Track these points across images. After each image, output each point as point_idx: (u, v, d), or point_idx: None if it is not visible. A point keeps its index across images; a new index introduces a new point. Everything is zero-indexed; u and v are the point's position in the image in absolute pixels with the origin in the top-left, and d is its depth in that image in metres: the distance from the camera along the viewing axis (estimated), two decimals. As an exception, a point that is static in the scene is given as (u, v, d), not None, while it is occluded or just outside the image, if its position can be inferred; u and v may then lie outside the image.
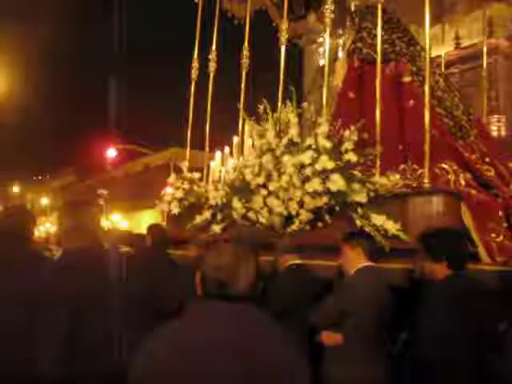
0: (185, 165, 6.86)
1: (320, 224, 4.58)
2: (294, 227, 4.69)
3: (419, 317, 3.34)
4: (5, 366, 3.01)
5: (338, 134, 4.71)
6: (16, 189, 40.76)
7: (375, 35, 5.48)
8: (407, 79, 5.59)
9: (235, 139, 6.41)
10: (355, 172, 4.51)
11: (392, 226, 4.13)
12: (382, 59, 5.10)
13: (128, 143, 24.85)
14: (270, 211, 4.89)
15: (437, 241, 3.44)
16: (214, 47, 6.97)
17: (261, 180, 5.00)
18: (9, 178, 39.41)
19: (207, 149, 6.89)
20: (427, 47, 4.84)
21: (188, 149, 7.10)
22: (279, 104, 5.62)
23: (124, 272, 3.18)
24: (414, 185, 4.52)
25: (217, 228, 5.63)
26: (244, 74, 6.45)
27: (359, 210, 4.31)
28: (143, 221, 17.37)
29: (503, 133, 8.94)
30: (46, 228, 30.43)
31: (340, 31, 9.52)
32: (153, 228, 5.44)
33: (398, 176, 4.65)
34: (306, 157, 4.59)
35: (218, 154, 6.58)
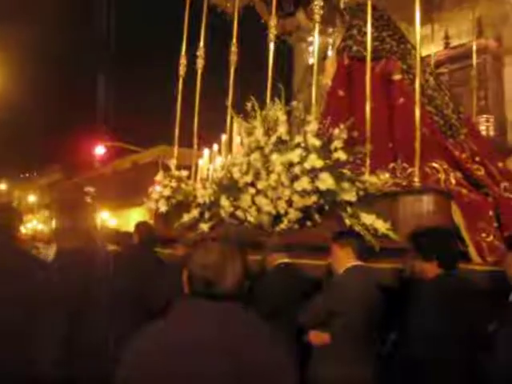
0: (173, 163, 6.79)
1: (309, 223, 4.53)
2: (283, 226, 4.64)
3: (409, 316, 3.32)
4: (4, 366, 2.96)
5: (328, 132, 4.66)
6: (3, 186, 40.45)
7: (365, 33, 5.44)
8: (397, 77, 5.54)
9: (223, 137, 6.34)
10: (345, 170, 4.46)
11: (382, 225, 4.09)
12: (372, 57, 5.06)
13: (116, 141, 24.72)
14: (259, 210, 4.84)
15: (427, 240, 3.42)
16: (201, 44, 6.87)
17: (249, 178, 4.95)
18: (-5, 176, 39.10)
19: (195, 146, 6.81)
20: (417, 45, 4.81)
21: (176, 146, 7.03)
22: (268, 101, 5.56)
23: (112, 271, 3.16)
24: (404, 183, 4.48)
25: (205, 226, 5.57)
26: (232, 70, 6.37)
27: (349, 209, 4.27)
28: (131, 219, 17.26)
29: (492, 133, 8.96)
30: (32, 225, 30.20)
31: (330, 30, 9.50)
32: (140, 226, 5.36)
33: (387, 175, 4.61)
34: (295, 155, 4.54)
35: (206, 151, 6.52)
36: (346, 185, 4.31)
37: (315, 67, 5.36)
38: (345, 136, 4.52)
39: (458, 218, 4.07)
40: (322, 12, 5.46)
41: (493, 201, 4.62)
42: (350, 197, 4.28)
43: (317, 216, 4.46)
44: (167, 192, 6.43)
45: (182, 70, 6.93)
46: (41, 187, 38.16)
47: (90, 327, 2.89)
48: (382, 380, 3.56)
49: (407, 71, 5.67)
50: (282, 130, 4.86)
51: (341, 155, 4.46)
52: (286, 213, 4.59)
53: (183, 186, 6.48)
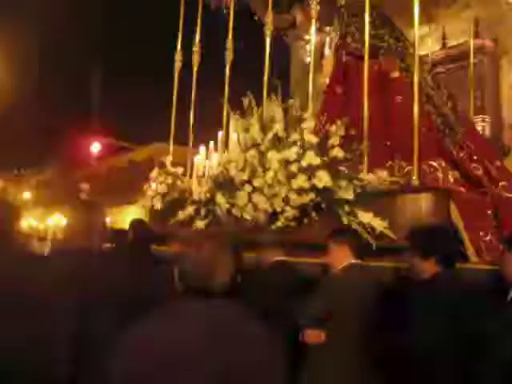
0: (168, 159, 6.73)
1: (306, 221, 4.49)
2: (279, 224, 4.60)
3: (407, 315, 3.29)
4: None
5: (324, 129, 4.62)
6: (-3, 183, 40.27)
7: (363, 30, 5.42)
8: (395, 75, 5.50)
9: (220, 134, 6.29)
10: (342, 168, 4.43)
11: (379, 224, 4.06)
12: (370, 54, 5.02)
13: (111, 138, 24.64)
14: (255, 207, 4.79)
15: (426, 238, 3.40)
16: (197, 39, 6.80)
17: (245, 176, 4.90)
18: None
19: (191, 143, 6.75)
20: (416, 42, 4.78)
21: (171, 142, 6.96)
22: (264, 98, 5.51)
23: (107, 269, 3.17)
24: (402, 182, 4.45)
25: (200, 224, 5.52)
26: (228, 67, 6.31)
27: (346, 208, 4.23)
28: (126, 216, 17.20)
29: (487, 133, 8.94)
30: (27, 222, 30.07)
31: (327, 28, 9.45)
32: (135, 223, 5.30)
33: (384, 173, 4.58)
34: (292, 152, 4.50)
35: (202, 148, 6.47)
36: (343, 183, 4.27)
37: (312, 63, 5.32)
38: (342, 133, 4.48)
39: (456, 216, 4.04)
40: (318, 8, 5.43)
41: (491, 200, 4.59)
42: (348, 195, 4.24)
43: (314, 214, 4.42)
44: (163, 189, 6.39)
45: (177, 66, 6.86)
46: (36, 184, 38.02)
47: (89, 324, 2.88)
48: (378, 379, 3.53)
49: (405, 69, 5.64)
50: (278, 126, 4.81)
51: (338, 153, 4.42)
52: (283, 211, 4.54)
53: (179, 182, 6.44)
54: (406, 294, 3.48)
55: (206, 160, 6.36)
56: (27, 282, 2.93)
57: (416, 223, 3.74)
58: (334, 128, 4.52)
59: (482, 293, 3.39)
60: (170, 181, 6.47)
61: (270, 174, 4.57)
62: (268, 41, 5.78)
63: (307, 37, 12.01)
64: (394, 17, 6.41)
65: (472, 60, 7.96)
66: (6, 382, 2.69)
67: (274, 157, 4.58)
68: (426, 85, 5.75)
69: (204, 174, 6.20)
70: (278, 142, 4.73)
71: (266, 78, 5.65)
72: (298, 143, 4.55)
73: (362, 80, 4.86)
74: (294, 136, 4.60)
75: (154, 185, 6.54)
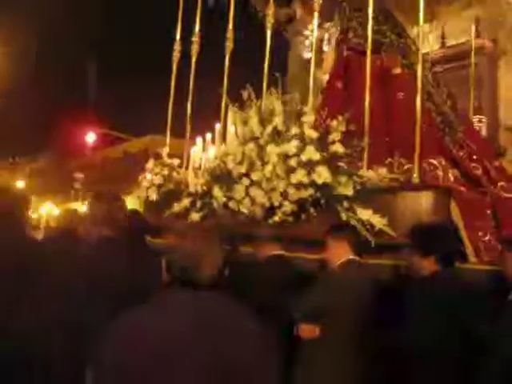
0: (165, 150, 6.66)
1: (304, 216, 4.44)
2: (277, 218, 4.55)
3: (406, 312, 3.27)
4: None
5: (325, 124, 4.57)
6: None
7: (365, 26, 5.37)
8: (397, 71, 5.46)
9: (217, 126, 6.23)
10: (341, 164, 4.39)
11: (378, 221, 4.01)
12: (372, 50, 4.97)
13: (107, 128, 24.54)
14: (252, 201, 4.74)
15: (426, 236, 3.38)
16: (197, 29, 6.69)
17: (243, 169, 4.84)
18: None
19: (188, 134, 6.68)
20: (420, 39, 4.74)
21: (168, 133, 6.88)
22: (264, 90, 5.45)
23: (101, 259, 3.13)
24: (401, 179, 4.41)
25: (196, 216, 5.46)
26: (227, 58, 6.22)
27: (345, 204, 4.18)
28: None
29: (484, 133, 8.92)
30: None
31: (326, 24, 9.40)
32: (130, 214, 5.25)
33: (384, 170, 4.53)
34: (291, 147, 4.45)
35: (199, 140, 6.41)
36: (342, 179, 4.22)
37: (313, 57, 5.27)
38: (343, 128, 4.43)
39: (456, 215, 4.01)
40: (321, 1, 5.37)
41: (490, 200, 4.56)
42: (347, 191, 4.19)
43: (312, 209, 4.37)
44: (158, 180, 6.33)
45: (175, 57, 6.75)
46: (30, 173, 37.85)
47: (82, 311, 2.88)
48: (373, 376, 3.51)
49: (407, 66, 5.59)
50: (277, 120, 4.75)
51: (338, 148, 4.37)
52: (281, 205, 4.49)
53: (174, 174, 6.38)
54: (404, 291, 3.45)
55: (203, 152, 6.30)
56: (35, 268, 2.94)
57: (417, 221, 3.70)
58: (334, 123, 4.46)
59: (481, 292, 3.38)
60: (165, 172, 6.40)
61: (269, 167, 4.51)
62: (269, 33, 5.71)
63: (306, 32, 11.96)
64: (395, 13, 6.38)
65: (473, 60, 7.93)
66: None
67: (272, 150, 4.53)
68: (427, 82, 5.70)
69: (200, 166, 6.14)
70: (278, 136, 4.67)
71: (265, 70, 5.59)
72: (298, 137, 4.48)
73: (363, 75, 4.81)
74: (294, 130, 4.55)
75: (149, 176, 6.47)
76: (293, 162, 4.37)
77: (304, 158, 4.31)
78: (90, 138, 24.69)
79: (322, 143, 4.41)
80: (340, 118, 4.47)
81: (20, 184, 36.51)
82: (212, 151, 6.07)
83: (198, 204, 5.50)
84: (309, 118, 4.57)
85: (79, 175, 19.79)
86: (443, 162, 4.58)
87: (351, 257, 3.72)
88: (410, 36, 6.03)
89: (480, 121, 8.96)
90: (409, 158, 4.49)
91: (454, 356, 3.19)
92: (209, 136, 6.32)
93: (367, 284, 3.65)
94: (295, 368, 3.68)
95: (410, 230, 3.50)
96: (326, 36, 10.32)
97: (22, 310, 2.98)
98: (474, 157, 5.13)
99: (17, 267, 3.07)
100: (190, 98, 6.57)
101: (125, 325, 1.92)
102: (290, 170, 4.38)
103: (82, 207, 14.34)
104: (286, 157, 4.44)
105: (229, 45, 6.20)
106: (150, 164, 6.55)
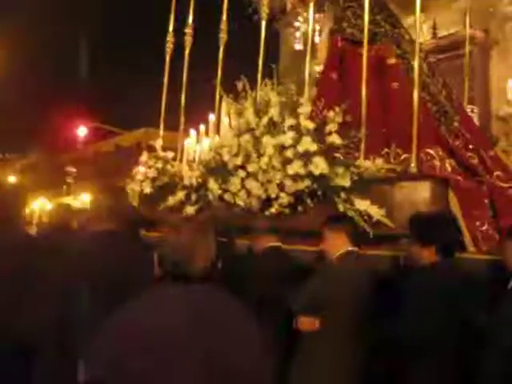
0: (158, 143, 6.61)
1: (301, 208, 4.42)
2: (273, 210, 4.52)
3: (404, 303, 3.25)
4: None
5: (321, 115, 4.54)
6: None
7: (360, 15, 5.34)
8: (392, 61, 5.42)
9: (211, 117, 6.18)
10: (337, 155, 4.36)
11: (376, 212, 3.99)
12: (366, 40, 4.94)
13: (98, 122, 24.40)
14: (248, 193, 4.71)
15: (426, 226, 3.36)
16: (190, 20, 6.63)
17: (239, 161, 4.81)
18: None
19: (182, 126, 6.62)
20: (417, 29, 4.72)
21: (162, 126, 6.82)
22: (258, 81, 5.41)
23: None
24: (398, 169, 4.39)
25: (191, 209, 5.43)
26: (221, 49, 6.17)
27: (342, 195, 4.16)
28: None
29: (476, 123, 8.92)
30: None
31: (317, 15, 9.35)
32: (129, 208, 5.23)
33: (380, 160, 4.51)
34: (287, 138, 4.42)
35: (192, 132, 6.36)
36: (339, 170, 4.20)
37: (309, 46, 5.23)
38: (340, 119, 4.40)
39: (455, 205, 3.99)
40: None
41: (487, 189, 4.55)
42: (344, 182, 4.17)
43: (309, 201, 4.35)
44: (152, 173, 6.29)
45: (168, 48, 6.69)
46: (21, 168, 37.61)
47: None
48: (374, 368, 3.50)
49: (402, 56, 5.57)
50: (273, 111, 4.71)
51: (335, 139, 4.34)
52: (277, 197, 4.46)
53: (169, 167, 6.34)
54: (403, 282, 3.43)
55: (197, 144, 6.26)
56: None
57: (415, 211, 3.68)
58: (331, 114, 4.43)
59: (481, 282, 3.37)
60: (159, 165, 6.36)
61: (265, 159, 4.48)
62: (263, 24, 5.66)
63: (297, 23, 11.92)
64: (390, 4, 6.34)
65: (467, 50, 7.93)
66: None
67: (269, 142, 4.49)
68: (422, 72, 5.68)
69: (194, 158, 6.11)
70: (274, 127, 4.64)
71: (260, 61, 5.54)
72: (294, 128, 4.45)
73: (359, 66, 4.78)
74: (290, 121, 4.51)
75: (142, 169, 6.42)
76: (289, 154, 4.34)
77: (301, 148, 4.28)
78: (82, 132, 24.55)
79: (318, 134, 4.38)
80: (337, 109, 4.44)
81: (12, 180, 36.30)
82: (206, 143, 6.03)
83: (193, 197, 5.48)
84: (305, 109, 4.54)
85: (72, 169, 19.67)
86: (440, 152, 4.55)
87: (350, 248, 3.68)
88: (404, 26, 6.01)
89: (472, 111, 8.96)
90: (405, 148, 4.47)
91: (454, 346, 3.19)
92: (202, 128, 6.28)
93: (366, 275, 3.62)
94: (294, 360, 3.66)
95: (410, 220, 3.47)
96: (317, 27, 10.28)
97: (20, 308, 2.94)
98: (470, 146, 5.12)
99: (14, 264, 3.03)
100: (184, 89, 6.51)
101: (119, 321, 1.91)
102: (287, 162, 4.35)
103: (74, 202, 14.23)
104: (282, 148, 4.41)
105: (223, 36, 6.15)
106: (144, 157, 6.50)
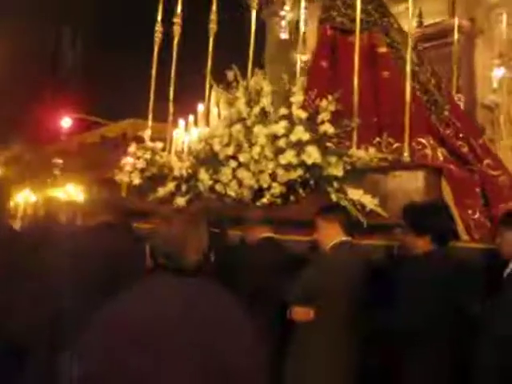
0: (147, 134, 6.54)
1: (293, 198, 4.40)
2: (265, 200, 4.50)
3: (399, 292, 3.25)
4: None
5: (313, 104, 4.52)
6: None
7: (349, 4, 5.32)
8: (383, 50, 5.41)
9: (200, 107, 6.12)
10: (331, 144, 4.35)
11: (369, 201, 3.98)
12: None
13: (83, 113, 24.16)
14: (240, 184, 4.68)
15: (420, 215, 3.35)
16: (179, 10, 6.55)
17: (230, 151, 4.78)
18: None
19: (171, 117, 6.56)
20: (410, 19, 4.73)
21: (150, 116, 6.75)
22: (248, 71, 5.37)
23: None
24: (390, 159, 4.39)
25: (181, 200, 5.39)
26: (211, 39, 6.12)
27: (335, 184, 4.15)
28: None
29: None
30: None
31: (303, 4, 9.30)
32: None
33: (372, 149, 4.51)
34: (280, 127, 4.39)
35: (181, 122, 6.30)
36: (332, 159, 4.18)
37: (300, 35, 5.20)
38: (333, 108, 4.38)
39: (448, 194, 4.00)
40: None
41: (478, 178, 4.57)
42: (337, 171, 4.16)
43: (301, 191, 4.33)
44: (141, 164, 6.23)
45: (157, 38, 6.60)
46: (5, 160, 37.22)
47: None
48: (369, 358, 3.50)
49: (391, 45, 5.55)
50: (265, 100, 4.68)
51: (328, 128, 4.32)
52: (269, 187, 4.44)
53: (157, 158, 6.28)
54: (397, 271, 3.43)
55: (186, 134, 6.20)
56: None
57: (409, 200, 3.68)
58: (324, 103, 4.41)
59: (476, 271, 3.37)
60: (148, 156, 6.30)
61: (257, 149, 4.45)
62: (254, 13, 5.62)
63: (282, 12, 11.87)
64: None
65: (456, 38, 7.94)
66: None
67: (260, 131, 4.47)
68: (411, 61, 5.67)
69: (183, 149, 6.05)
70: (265, 117, 4.61)
71: (251, 51, 5.50)
72: (287, 118, 4.43)
73: (349, 55, 4.77)
74: (282, 110, 4.49)
75: (131, 159, 6.36)
76: (281, 143, 4.31)
77: (293, 138, 4.25)
78: (66, 123, 24.28)
79: (311, 123, 4.36)
80: (330, 98, 4.42)
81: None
82: (195, 133, 5.98)
83: (184, 188, 5.43)
84: (297, 98, 4.51)
85: (58, 160, 19.47)
86: (431, 141, 4.56)
87: (343, 238, 3.66)
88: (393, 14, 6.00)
89: (459, 99, 8.99)
90: (397, 138, 4.47)
91: (449, 336, 3.19)
92: (191, 118, 6.22)
93: (360, 265, 3.61)
94: (288, 351, 3.65)
95: (404, 210, 3.46)
96: (303, 16, 10.22)
97: (12, 303, 2.91)
98: (461, 135, 5.13)
99: (2, 259, 2.99)
100: (173, 80, 6.44)
101: (110, 313, 1.89)
102: (279, 151, 4.32)
103: (61, 194, 14.09)
104: (274, 137, 4.38)
105: (212, 26, 6.09)
106: (133, 148, 6.44)
